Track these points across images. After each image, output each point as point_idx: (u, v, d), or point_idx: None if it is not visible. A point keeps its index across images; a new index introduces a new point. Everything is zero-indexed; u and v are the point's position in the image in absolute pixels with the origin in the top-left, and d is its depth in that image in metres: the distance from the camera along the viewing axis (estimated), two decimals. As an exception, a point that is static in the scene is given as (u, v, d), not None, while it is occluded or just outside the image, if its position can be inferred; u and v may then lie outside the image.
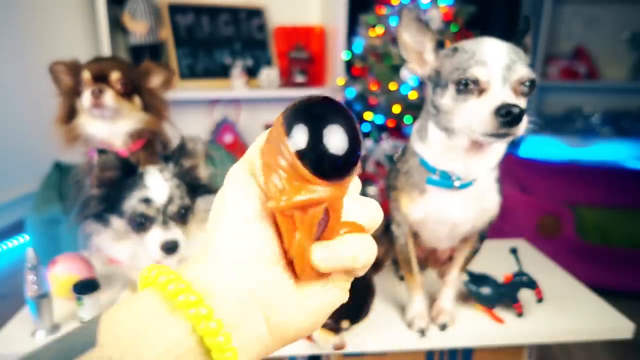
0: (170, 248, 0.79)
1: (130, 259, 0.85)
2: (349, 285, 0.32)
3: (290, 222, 0.27)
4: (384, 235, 0.97)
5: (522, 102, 0.70)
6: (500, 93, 0.68)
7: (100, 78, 1.04)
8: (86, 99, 1.02)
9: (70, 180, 1.07)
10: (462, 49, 0.73)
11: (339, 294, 0.31)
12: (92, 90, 1.02)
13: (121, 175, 0.81)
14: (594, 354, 1.68)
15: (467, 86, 0.70)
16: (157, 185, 0.80)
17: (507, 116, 0.66)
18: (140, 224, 0.80)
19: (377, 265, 1.00)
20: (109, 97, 1.02)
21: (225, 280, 0.28)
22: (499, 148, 0.79)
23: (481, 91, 0.70)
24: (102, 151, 0.79)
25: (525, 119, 0.67)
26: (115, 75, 1.04)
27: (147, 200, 0.79)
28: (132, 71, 1.09)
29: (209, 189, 0.87)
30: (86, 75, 1.03)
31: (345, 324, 0.81)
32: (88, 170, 1.08)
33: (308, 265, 0.28)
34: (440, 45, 0.78)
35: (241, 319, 0.28)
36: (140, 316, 0.26)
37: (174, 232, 0.80)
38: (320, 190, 0.26)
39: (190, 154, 0.85)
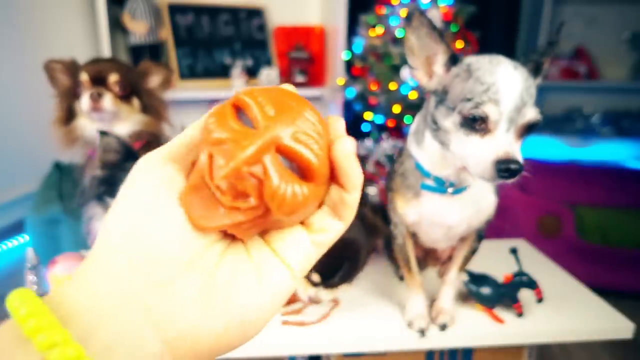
0: None
1: None
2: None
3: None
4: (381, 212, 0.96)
5: (520, 144, 0.69)
6: (504, 140, 0.66)
7: (99, 80, 1.04)
8: (85, 102, 1.02)
9: (77, 167, 1.08)
10: (477, 77, 0.67)
11: (247, 295, 0.26)
12: (90, 93, 1.01)
13: (122, 159, 0.82)
14: (594, 354, 1.68)
15: (474, 121, 0.67)
16: None
17: (506, 172, 0.65)
18: None
19: (373, 231, 0.97)
20: (108, 100, 1.02)
21: (101, 296, 0.23)
22: None
23: (486, 130, 0.67)
24: (103, 133, 0.80)
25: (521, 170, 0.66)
26: (113, 78, 1.04)
27: None
28: (130, 72, 1.09)
29: None
30: (84, 77, 1.03)
31: (315, 277, 0.81)
32: (88, 160, 1.09)
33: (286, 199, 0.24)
34: (453, 60, 0.72)
35: (117, 341, 0.22)
36: None
37: None
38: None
39: None
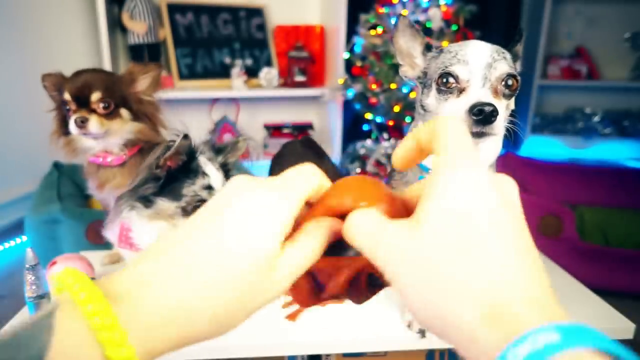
0: None
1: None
2: None
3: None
4: None
5: (503, 103, 0.71)
6: (478, 93, 0.70)
7: (82, 100, 1.01)
8: (72, 127, 1.01)
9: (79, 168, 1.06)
10: (447, 50, 0.75)
11: None
12: (75, 119, 1.00)
13: (185, 162, 0.83)
14: (594, 354, 1.68)
15: (446, 84, 0.72)
16: (215, 174, 0.85)
17: (480, 115, 0.67)
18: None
19: None
20: (93, 124, 1.00)
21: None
22: (491, 147, 0.79)
23: (461, 91, 0.72)
24: (186, 136, 0.80)
25: (500, 118, 0.68)
26: (95, 96, 1.01)
27: (209, 188, 0.83)
28: (114, 84, 1.05)
29: None
30: (67, 96, 1.01)
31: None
32: (89, 164, 1.08)
33: None
34: (428, 48, 0.81)
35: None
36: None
37: None
38: None
39: (238, 150, 0.91)
